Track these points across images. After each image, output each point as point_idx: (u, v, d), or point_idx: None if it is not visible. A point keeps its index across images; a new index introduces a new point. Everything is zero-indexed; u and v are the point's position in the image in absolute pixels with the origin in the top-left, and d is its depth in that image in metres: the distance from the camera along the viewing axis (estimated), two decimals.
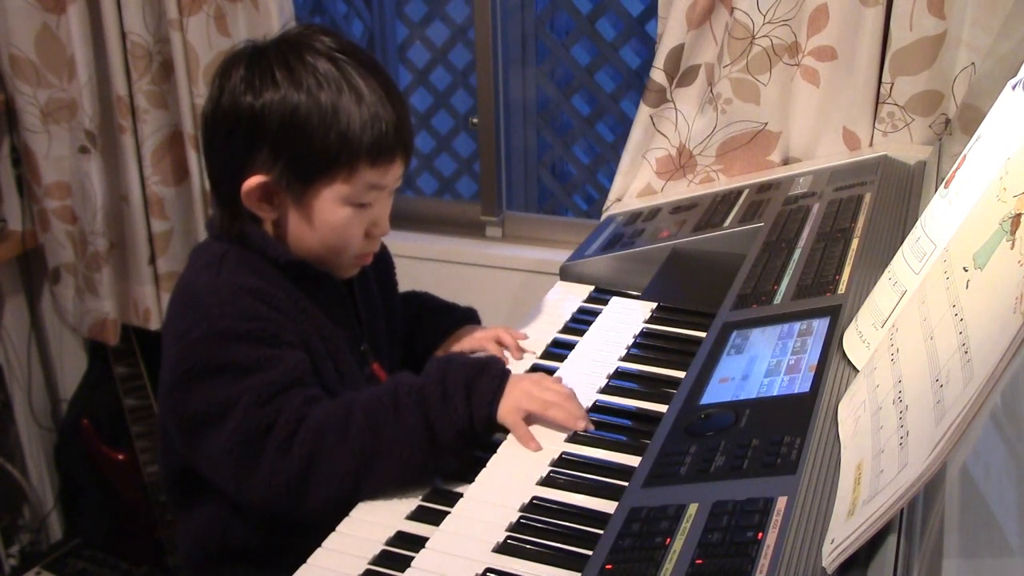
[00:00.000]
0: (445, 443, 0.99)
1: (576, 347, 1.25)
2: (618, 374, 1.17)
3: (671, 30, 1.60)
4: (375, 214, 1.13)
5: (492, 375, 1.04)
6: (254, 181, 1.07)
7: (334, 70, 1.06)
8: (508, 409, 1.03)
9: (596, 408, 1.10)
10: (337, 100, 1.05)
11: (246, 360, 1.02)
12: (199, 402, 1.02)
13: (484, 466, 1.01)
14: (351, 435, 0.98)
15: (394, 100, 1.09)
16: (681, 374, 1.09)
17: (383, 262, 1.26)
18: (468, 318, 1.37)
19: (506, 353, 1.25)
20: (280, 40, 1.10)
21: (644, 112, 1.68)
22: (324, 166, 1.07)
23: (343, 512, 0.97)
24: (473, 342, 1.29)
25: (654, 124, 1.68)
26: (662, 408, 1.02)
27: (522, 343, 1.27)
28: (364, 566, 0.90)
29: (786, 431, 0.85)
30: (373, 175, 1.09)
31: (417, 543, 0.91)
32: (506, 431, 1.04)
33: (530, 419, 1.04)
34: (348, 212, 1.10)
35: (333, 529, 0.95)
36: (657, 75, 1.64)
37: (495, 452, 1.03)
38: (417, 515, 0.97)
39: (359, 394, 1.03)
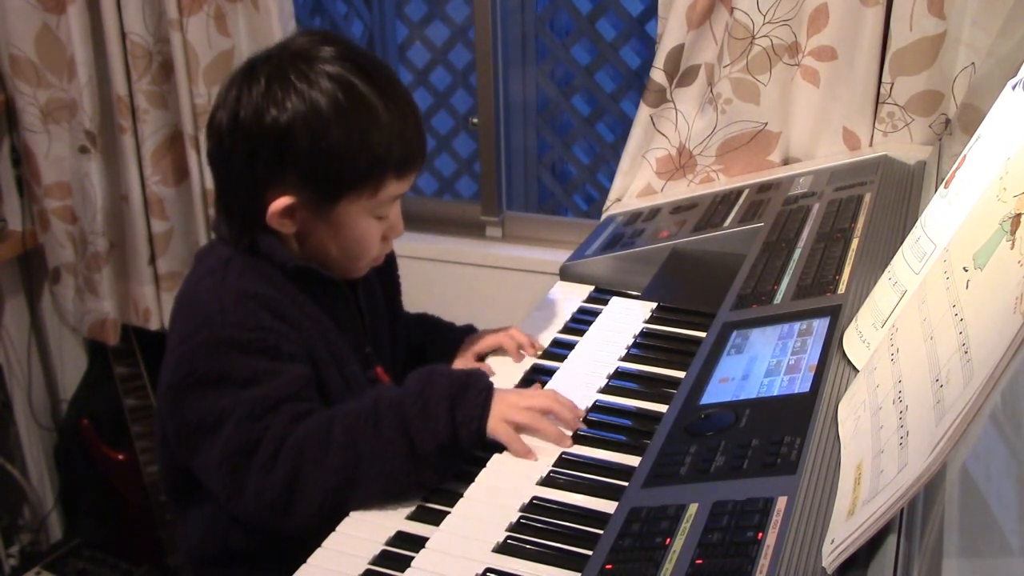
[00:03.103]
0: (425, 457, 0.98)
1: (576, 347, 1.25)
2: (618, 374, 1.17)
3: (671, 30, 1.60)
4: (392, 219, 1.13)
5: (478, 389, 1.02)
6: (282, 203, 1.06)
7: (353, 82, 1.04)
8: (497, 421, 1.01)
9: (596, 408, 1.10)
10: (363, 117, 1.04)
11: (244, 372, 1.01)
12: (195, 410, 1.02)
13: (484, 466, 1.01)
14: (331, 452, 0.98)
15: (412, 108, 1.09)
16: (681, 374, 1.09)
17: (386, 262, 1.25)
18: (471, 332, 1.35)
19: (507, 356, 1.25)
20: (291, 52, 1.07)
21: (644, 112, 1.68)
22: (353, 184, 1.06)
23: (334, 522, 0.96)
24: (488, 340, 1.28)
25: (654, 124, 1.68)
26: (662, 408, 1.03)
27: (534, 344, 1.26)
28: (364, 566, 0.90)
29: (786, 431, 0.85)
30: (397, 187, 1.09)
31: (417, 543, 0.91)
32: (492, 446, 1.02)
33: (522, 431, 1.03)
34: (371, 222, 1.10)
35: (333, 530, 0.95)
36: (657, 75, 1.64)
37: (494, 452, 1.02)
38: (417, 515, 0.96)
39: (340, 409, 1.02)
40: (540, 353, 1.26)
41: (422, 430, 0.98)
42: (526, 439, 1.03)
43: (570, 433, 1.04)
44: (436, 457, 0.98)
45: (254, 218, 1.08)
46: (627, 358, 1.21)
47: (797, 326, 1.04)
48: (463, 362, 1.29)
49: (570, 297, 1.40)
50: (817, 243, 1.23)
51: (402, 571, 0.87)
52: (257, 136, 1.04)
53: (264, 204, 1.06)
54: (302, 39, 1.10)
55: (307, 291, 1.11)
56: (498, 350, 1.27)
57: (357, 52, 1.09)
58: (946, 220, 0.92)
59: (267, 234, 1.09)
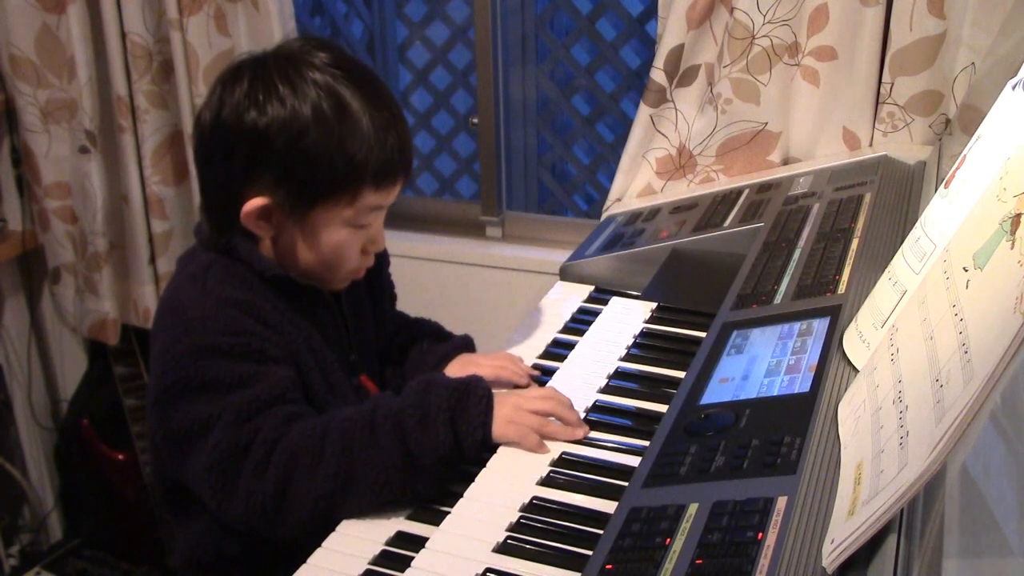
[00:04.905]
0: (424, 468, 0.97)
1: (576, 347, 1.25)
2: (618, 374, 1.17)
3: (671, 30, 1.60)
4: (372, 232, 1.12)
5: (478, 396, 1.01)
6: (256, 203, 1.05)
7: (338, 90, 1.04)
8: (502, 425, 1.01)
9: (596, 408, 1.10)
10: (343, 122, 1.03)
11: (228, 377, 1.01)
12: (182, 419, 1.02)
13: (484, 466, 1.00)
14: (325, 458, 0.97)
15: (397, 120, 1.08)
16: (681, 374, 1.09)
17: (374, 269, 1.22)
18: (465, 346, 1.30)
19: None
20: (281, 55, 1.07)
21: (644, 112, 1.68)
22: (329, 190, 1.05)
23: (322, 532, 0.95)
24: (485, 373, 1.18)
25: (654, 124, 1.68)
26: (662, 408, 1.02)
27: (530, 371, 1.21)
28: (364, 566, 0.90)
29: (786, 431, 0.85)
30: (376, 198, 1.08)
31: (417, 543, 0.91)
32: (492, 447, 1.02)
33: None
34: (348, 232, 1.09)
35: (327, 534, 0.95)
36: (657, 75, 1.64)
37: (495, 452, 1.02)
38: (417, 515, 0.96)
39: (337, 415, 1.02)
40: (538, 353, 1.26)
41: (421, 442, 0.97)
42: None
43: (580, 433, 1.04)
44: (437, 468, 0.98)
45: (231, 219, 1.07)
46: (627, 358, 1.21)
47: (797, 326, 1.04)
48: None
49: (570, 297, 1.40)
50: (817, 243, 1.23)
51: (402, 571, 0.87)
52: (235, 135, 1.05)
53: (241, 204, 1.06)
54: (296, 43, 1.10)
55: (288, 299, 1.10)
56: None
57: (348, 61, 1.08)
58: (946, 220, 0.92)
59: (245, 238, 1.09)
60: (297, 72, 1.05)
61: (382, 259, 1.29)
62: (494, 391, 1.04)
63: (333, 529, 0.96)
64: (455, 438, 0.99)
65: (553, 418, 1.05)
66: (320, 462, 0.97)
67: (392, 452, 0.97)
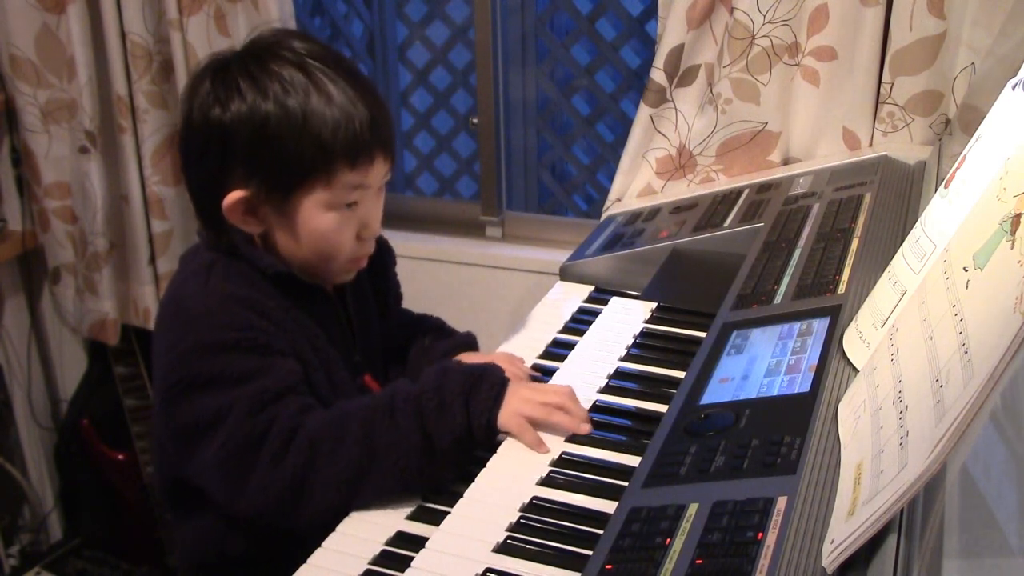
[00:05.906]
0: (442, 452, 0.98)
1: (576, 347, 1.25)
2: (618, 374, 1.17)
3: (671, 30, 1.60)
4: (363, 215, 1.11)
5: (491, 382, 1.02)
6: (234, 197, 1.05)
7: (300, 75, 1.04)
8: (508, 415, 1.02)
9: (596, 408, 1.10)
10: (305, 105, 1.03)
11: (236, 370, 1.01)
12: (190, 414, 1.02)
13: (484, 466, 1.01)
14: (346, 444, 0.98)
15: (367, 98, 1.07)
16: (681, 374, 1.09)
17: (379, 259, 1.22)
18: (467, 344, 1.31)
19: None
20: (245, 50, 1.08)
21: (644, 112, 1.68)
22: (301, 175, 1.05)
23: (337, 522, 0.96)
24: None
25: (654, 124, 1.68)
26: (662, 408, 1.02)
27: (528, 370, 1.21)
28: (364, 566, 0.90)
29: (786, 431, 0.85)
30: (354, 176, 1.07)
31: (417, 543, 0.91)
32: (493, 446, 1.03)
33: (534, 425, 1.03)
34: (334, 216, 1.08)
35: (332, 530, 0.95)
36: (657, 75, 1.64)
37: (495, 452, 1.02)
38: (417, 515, 0.97)
39: (354, 402, 1.02)
40: (538, 353, 1.26)
41: (439, 426, 0.98)
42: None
43: (585, 428, 1.04)
44: (453, 451, 0.99)
45: (218, 217, 1.08)
46: (627, 358, 1.21)
47: (797, 326, 1.04)
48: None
49: (570, 297, 1.40)
50: (817, 243, 1.23)
51: (402, 571, 0.87)
52: (204, 133, 1.06)
53: (222, 201, 1.06)
54: (267, 34, 1.10)
55: (291, 297, 1.10)
56: None
57: (319, 48, 1.08)
58: (946, 220, 0.92)
59: (240, 235, 1.09)
60: (260, 66, 1.05)
61: (388, 258, 1.29)
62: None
63: (344, 519, 0.96)
64: (468, 421, 1.00)
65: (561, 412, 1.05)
66: (341, 448, 0.98)
67: (412, 435, 0.98)
